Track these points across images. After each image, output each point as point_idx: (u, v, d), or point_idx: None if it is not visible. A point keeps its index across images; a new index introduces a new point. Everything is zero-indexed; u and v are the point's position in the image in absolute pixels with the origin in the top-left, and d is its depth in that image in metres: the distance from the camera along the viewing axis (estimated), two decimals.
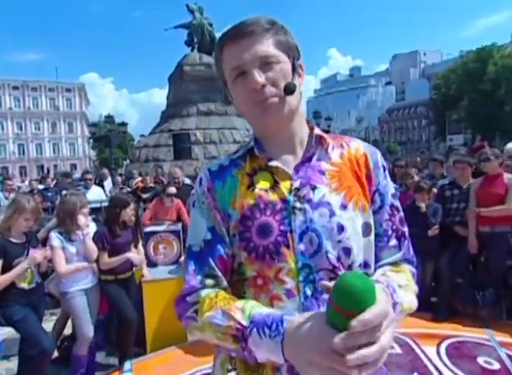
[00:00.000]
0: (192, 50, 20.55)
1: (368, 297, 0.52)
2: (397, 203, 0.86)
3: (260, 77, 0.75)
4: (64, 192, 3.48)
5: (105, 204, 4.61)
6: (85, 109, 55.60)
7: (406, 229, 0.87)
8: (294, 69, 0.79)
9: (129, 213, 3.00)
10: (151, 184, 8.27)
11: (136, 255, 3.03)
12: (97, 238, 2.78)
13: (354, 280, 0.52)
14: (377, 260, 0.82)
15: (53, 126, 51.47)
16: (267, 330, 0.62)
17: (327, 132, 0.90)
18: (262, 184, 0.79)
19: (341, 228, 0.75)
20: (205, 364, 2.67)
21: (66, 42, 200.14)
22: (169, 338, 3.11)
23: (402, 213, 0.87)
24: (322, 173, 0.80)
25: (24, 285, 2.50)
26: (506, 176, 3.39)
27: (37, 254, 2.51)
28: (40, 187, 6.78)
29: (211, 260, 0.78)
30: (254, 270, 0.76)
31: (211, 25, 21.11)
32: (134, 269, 3.14)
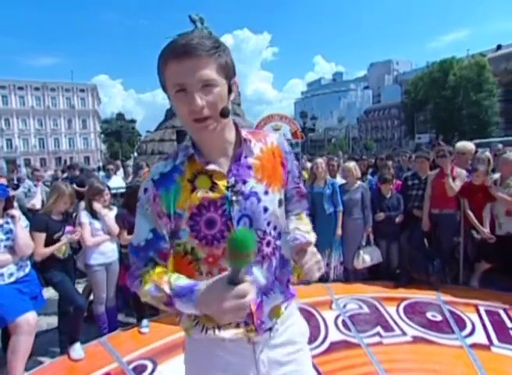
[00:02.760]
0: None
1: (247, 241, 0.64)
2: (297, 174, 1.03)
3: (200, 101, 0.75)
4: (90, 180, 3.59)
5: (123, 190, 4.72)
6: (97, 107, 54.52)
7: (304, 191, 1.07)
8: (230, 90, 0.82)
9: None
10: None
11: None
12: (118, 219, 2.92)
13: (238, 232, 0.73)
14: (287, 212, 1.02)
15: (69, 122, 50.60)
16: (184, 299, 0.75)
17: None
18: (203, 186, 0.84)
19: (266, 209, 0.88)
20: None
21: (80, 47, 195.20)
22: None
23: (300, 179, 1.06)
24: (249, 167, 0.88)
25: (60, 255, 2.64)
26: (456, 169, 3.60)
27: (73, 235, 2.67)
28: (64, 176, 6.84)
29: (151, 252, 0.85)
30: (205, 253, 0.86)
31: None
32: None
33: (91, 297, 3.26)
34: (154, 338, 2.74)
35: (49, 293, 2.89)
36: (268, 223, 0.89)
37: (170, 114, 19.73)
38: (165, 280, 0.80)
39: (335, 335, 2.71)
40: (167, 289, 0.78)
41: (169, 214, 0.85)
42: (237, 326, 0.88)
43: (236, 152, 0.88)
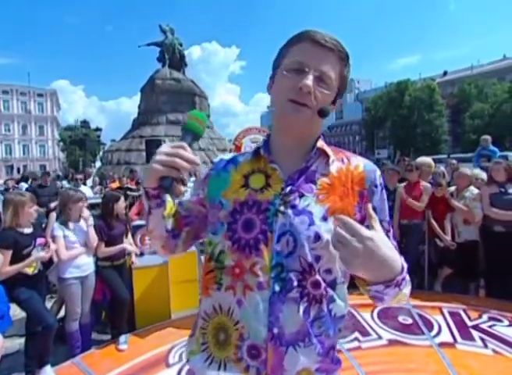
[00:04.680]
0: (163, 66, 20.17)
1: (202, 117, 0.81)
2: (387, 218, 0.80)
3: (311, 85, 0.71)
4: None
5: (93, 201, 4.51)
6: (56, 114, 51.55)
7: (394, 243, 0.73)
8: (334, 101, 0.78)
9: (121, 206, 3.05)
10: (128, 185, 8.07)
11: (130, 246, 3.09)
12: (96, 230, 2.80)
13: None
14: None
15: (24, 128, 47.14)
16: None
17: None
18: (255, 185, 0.77)
19: (317, 237, 0.71)
20: (187, 336, 2.79)
21: (39, 49, 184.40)
22: (155, 316, 3.17)
23: (390, 227, 0.80)
24: (314, 182, 0.76)
25: (29, 271, 2.46)
26: (423, 183, 3.92)
27: (43, 252, 2.49)
28: (25, 185, 6.36)
29: (179, 205, 0.89)
30: (233, 260, 0.74)
31: (181, 45, 20.85)
32: (126, 257, 3.17)
33: (60, 314, 3.06)
34: (134, 355, 2.63)
35: (19, 314, 2.67)
36: (318, 258, 0.72)
37: (138, 123, 19.35)
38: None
39: None
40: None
41: (212, 201, 0.81)
42: (246, 369, 0.72)
43: (305, 162, 0.77)
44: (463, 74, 39.04)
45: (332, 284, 0.74)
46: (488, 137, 6.21)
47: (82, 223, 2.76)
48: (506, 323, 3.03)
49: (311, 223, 0.72)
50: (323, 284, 0.73)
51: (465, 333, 2.87)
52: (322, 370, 0.74)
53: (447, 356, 2.52)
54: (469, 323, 3.05)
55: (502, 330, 2.91)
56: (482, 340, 2.77)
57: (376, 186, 0.78)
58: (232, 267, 0.74)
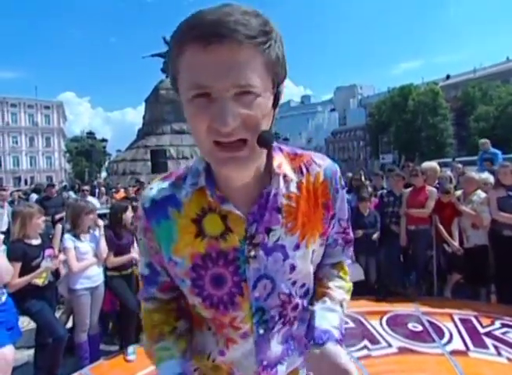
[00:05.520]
0: (167, 76, 20.49)
1: None
2: (346, 216, 0.76)
3: (232, 117, 0.49)
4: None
5: (100, 212, 4.56)
6: (62, 125, 52.50)
7: (351, 236, 0.78)
8: (276, 101, 0.55)
9: (128, 216, 3.08)
10: (133, 195, 8.15)
11: (138, 256, 3.11)
12: (105, 241, 2.84)
13: None
14: (322, 260, 0.76)
15: (31, 140, 48.10)
16: None
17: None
18: (212, 231, 0.63)
19: (293, 268, 0.66)
20: None
21: (45, 63, 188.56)
22: None
23: (348, 222, 0.77)
24: (279, 210, 0.64)
25: (39, 282, 2.50)
26: (428, 188, 3.91)
27: (51, 264, 2.53)
28: (35, 196, 6.45)
29: (151, 288, 0.73)
30: (210, 314, 0.68)
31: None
32: (134, 266, 3.20)
33: (68, 324, 3.08)
34: (142, 366, 2.62)
35: (28, 324, 2.70)
36: (294, 283, 0.68)
37: (143, 134, 19.60)
38: (153, 348, 0.71)
39: None
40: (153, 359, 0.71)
41: (165, 257, 0.66)
42: None
43: (262, 188, 0.63)
44: (466, 77, 38.98)
45: (307, 293, 0.73)
46: (485, 141, 6.17)
47: (96, 232, 2.81)
48: None
49: (286, 258, 0.65)
50: (300, 300, 0.71)
51: (478, 340, 2.82)
52: (303, 362, 0.77)
53: (460, 365, 2.47)
54: (481, 330, 3.00)
55: None
56: (496, 347, 2.72)
57: (338, 191, 0.70)
58: (212, 319, 0.69)
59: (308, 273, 0.70)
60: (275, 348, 0.70)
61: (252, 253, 0.63)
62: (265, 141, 0.52)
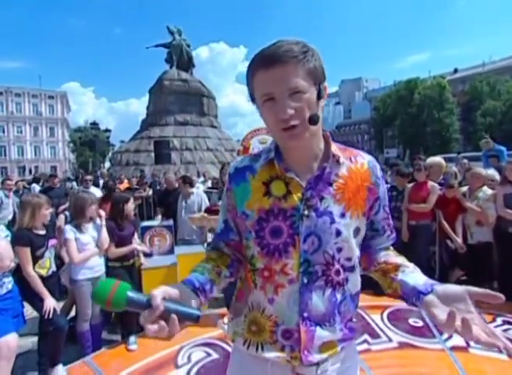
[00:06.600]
0: (171, 67, 20.33)
1: (100, 295, 0.65)
2: (387, 203, 0.92)
3: (289, 109, 0.73)
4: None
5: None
6: (66, 115, 52.46)
7: (392, 222, 0.94)
8: (319, 95, 0.78)
9: (130, 207, 3.08)
10: (136, 186, 8.16)
11: (140, 246, 3.12)
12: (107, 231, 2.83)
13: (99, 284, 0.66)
14: (375, 246, 0.91)
15: (35, 130, 48.17)
16: None
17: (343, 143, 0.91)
18: (277, 192, 0.82)
19: (338, 233, 0.80)
20: (196, 336, 2.81)
21: (49, 53, 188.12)
22: None
23: (389, 209, 0.94)
24: (330, 184, 0.82)
25: (43, 272, 2.51)
26: (430, 183, 3.86)
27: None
28: (37, 186, 6.47)
29: (221, 242, 0.92)
30: (263, 263, 0.82)
31: (188, 46, 20.99)
32: (135, 257, 3.20)
33: (71, 313, 3.11)
34: (143, 355, 2.65)
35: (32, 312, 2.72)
36: (339, 250, 0.81)
37: (146, 124, 19.54)
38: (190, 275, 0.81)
39: None
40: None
41: (239, 211, 0.85)
42: (282, 348, 0.82)
43: (320, 165, 0.83)
44: (474, 71, 38.30)
45: (352, 269, 0.85)
46: (487, 140, 5.96)
47: (98, 221, 2.81)
48: None
49: (332, 222, 0.80)
50: (344, 271, 0.83)
51: None
52: (342, 340, 0.85)
53: (460, 360, 2.47)
54: None
55: None
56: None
57: (379, 178, 0.88)
58: (262, 270, 0.83)
59: (352, 248, 0.83)
60: (317, 302, 0.81)
61: (306, 212, 0.80)
62: (313, 119, 0.76)
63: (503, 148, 5.89)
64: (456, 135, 30.34)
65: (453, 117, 30.12)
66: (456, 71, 43.09)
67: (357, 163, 0.87)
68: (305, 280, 0.80)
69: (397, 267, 0.86)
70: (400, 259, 0.89)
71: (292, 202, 0.81)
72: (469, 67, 41.57)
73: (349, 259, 0.84)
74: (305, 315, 0.81)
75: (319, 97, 0.78)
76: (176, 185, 4.93)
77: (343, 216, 0.81)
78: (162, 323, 0.65)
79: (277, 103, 0.74)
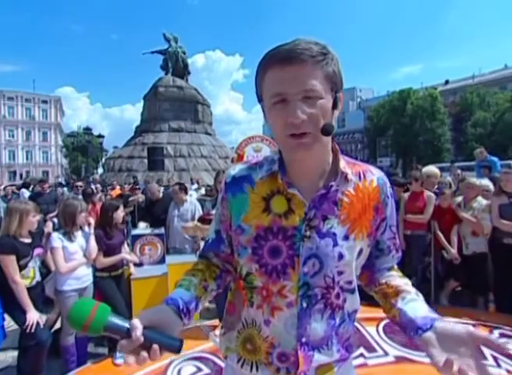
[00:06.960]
0: (166, 74, 20.40)
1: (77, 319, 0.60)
2: (395, 223, 0.87)
3: (301, 113, 0.66)
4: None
5: None
6: (60, 120, 52.07)
7: (398, 242, 0.89)
8: (335, 104, 0.71)
9: (120, 215, 2.99)
10: (128, 192, 8.03)
11: (129, 256, 3.01)
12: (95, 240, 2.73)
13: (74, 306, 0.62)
14: (379, 265, 0.87)
15: (27, 134, 47.63)
16: None
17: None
18: (277, 209, 0.76)
19: (341, 256, 0.75)
20: (187, 350, 2.70)
21: (44, 57, 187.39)
22: None
23: (397, 229, 0.89)
24: (335, 203, 0.76)
25: (26, 283, 2.39)
26: (426, 193, 3.85)
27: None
28: (26, 191, 6.31)
29: (211, 252, 0.88)
30: (261, 282, 0.78)
31: (184, 53, 21.11)
32: (124, 267, 3.10)
33: (56, 325, 2.98)
34: (131, 370, 2.51)
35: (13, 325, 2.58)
36: (340, 273, 0.77)
37: (140, 131, 19.46)
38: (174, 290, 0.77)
39: None
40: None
41: (234, 224, 0.80)
42: (277, 370, 0.78)
43: (326, 182, 0.76)
44: (464, 83, 39.19)
45: (352, 291, 0.82)
46: (481, 150, 6.03)
47: (86, 229, 2.71)
48: None
49: (335, 244, 0.75)
50: (343, 292, 0.79)
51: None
52: (339, 361, 0.82)
53: None
54: None
55: None
56: (495, 358, 2.64)
57: (388, 197, 0.82)
58: (261, 288, 0.78)
59: (354, 271, 0.79)
60: (316, 328, 0.76)
61: (308, 233, 0.74)
62: (327, 130, 0.68)
63: (496, 159, 5.95)
64: (447, 145, 30.79)
65: (445, 127, 30.60)
66: (447, 82, 44.02)
67: (366, 180, 0.80)
68: (304, 304, 0.76)
69: (398, 292, 0.82)
70: (403, 282, 0.85)
71: (293, 221, 0.75)
72: (460, 79, 42.55)
73: (349, 282, 0.80)
74: (303, 340, 0.77)
75: (334, 106, 0.71)
76: (160, 196, 4.83)
77: (346, 238, 0.76)
78: (143, 353, 0.61)
79: (288, 105, 0.67)
